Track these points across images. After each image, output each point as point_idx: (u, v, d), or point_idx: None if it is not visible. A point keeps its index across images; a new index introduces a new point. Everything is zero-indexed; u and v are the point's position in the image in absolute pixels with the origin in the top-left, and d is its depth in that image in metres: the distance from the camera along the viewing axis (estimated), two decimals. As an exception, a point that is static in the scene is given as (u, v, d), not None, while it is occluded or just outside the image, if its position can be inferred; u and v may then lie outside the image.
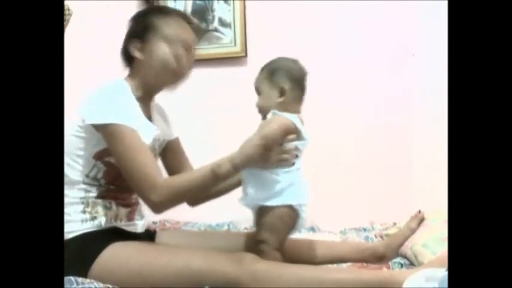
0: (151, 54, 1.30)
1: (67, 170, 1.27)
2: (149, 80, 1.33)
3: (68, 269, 1.08)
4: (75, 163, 1.27)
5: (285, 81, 1.26)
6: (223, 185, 1.35)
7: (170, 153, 1.48)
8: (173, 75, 1.32)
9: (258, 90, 1.30)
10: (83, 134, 1.25)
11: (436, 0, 2.03)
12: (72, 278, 1.09)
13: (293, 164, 1.25)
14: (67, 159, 1.27)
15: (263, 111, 1.29)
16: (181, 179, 1.25)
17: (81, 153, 1.26)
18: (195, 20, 1.38)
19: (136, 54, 1.31)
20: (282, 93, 1.26)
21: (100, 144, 1.24)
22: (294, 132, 1.24)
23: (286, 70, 1.27)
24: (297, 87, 1.27)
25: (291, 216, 1.25)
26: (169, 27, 1.30)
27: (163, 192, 1.17)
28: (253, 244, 1.27)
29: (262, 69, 1.31)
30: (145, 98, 1.36)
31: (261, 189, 1.25)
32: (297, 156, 1.26)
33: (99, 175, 1.27)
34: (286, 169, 1.25)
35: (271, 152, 1.20)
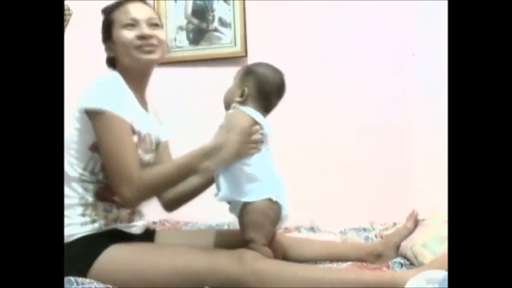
0: (118, 44, 1.32)
1: (65, 166, 1.26)
2: (129, 70, 1.33)
3: (68, 271, 1.08)
4: (72, 157, 1.26)
5: (250, 86, 1.30)
6: (196, 186, 1.39)
7: (156, 155, 1.45)
8: (144, 54, 1.30)
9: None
10: (78, 125, 1.25)
11: (436, 0, 2.03)
12: (72, 278, 1.09)
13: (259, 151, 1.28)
14: (65, 155, 1.26)
15: (225, 103, 1.35)
16: (153, 172, 1.26)
17: (78, 146, 1.26)
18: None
19: (111, 53, 1.35)
20: (242, 95, 1.30)
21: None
22: (254, 124, 1.27)
23: (259, 78, 1.30)
24: (260, 98, 1.30)
25: (273, 209, 1.25)
26: (125, 14, 1.32)
27: (135, 187, 1.19)
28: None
29: (245, 66, 1.36)
30: (137, 92, 1.36)
31: (236, 184, 1.25)
32: (262, 142, 1.28)
33: (96, 168, 1.26)
34: (260, 163, 1.26)
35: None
